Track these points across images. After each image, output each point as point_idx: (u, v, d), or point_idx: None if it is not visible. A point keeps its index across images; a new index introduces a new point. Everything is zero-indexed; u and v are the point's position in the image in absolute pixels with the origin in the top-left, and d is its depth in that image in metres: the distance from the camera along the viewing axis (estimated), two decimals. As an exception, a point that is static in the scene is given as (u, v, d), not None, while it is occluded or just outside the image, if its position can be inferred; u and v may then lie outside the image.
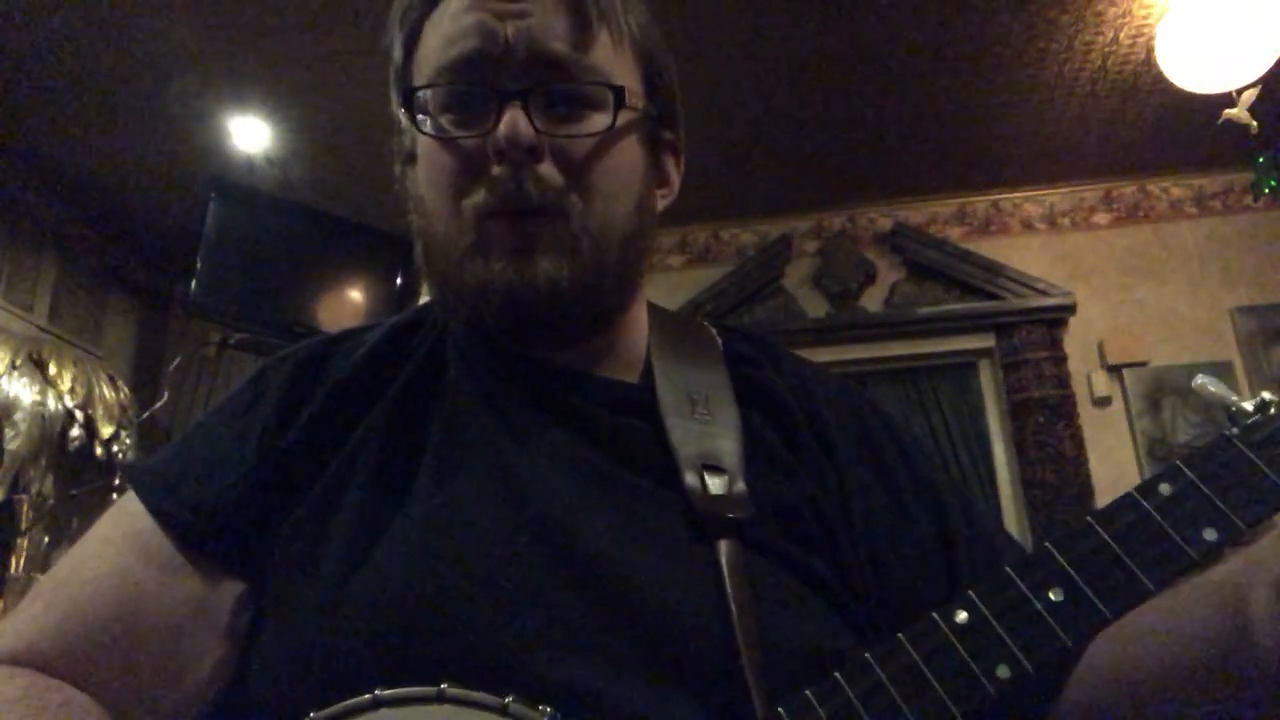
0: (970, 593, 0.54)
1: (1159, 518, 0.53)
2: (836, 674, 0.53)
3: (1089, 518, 0.54)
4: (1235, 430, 0.54)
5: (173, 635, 0.66)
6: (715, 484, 0.67)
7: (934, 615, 0.54)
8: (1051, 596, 0.53)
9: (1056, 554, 0.54)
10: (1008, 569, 0.54)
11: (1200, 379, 0.58)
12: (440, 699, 0.54)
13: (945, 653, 0.52)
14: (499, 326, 0.71)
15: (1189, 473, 0.54)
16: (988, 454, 3.74)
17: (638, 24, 0.77)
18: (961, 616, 0.53)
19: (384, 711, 0.54)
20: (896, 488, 0.76)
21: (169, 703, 0.66)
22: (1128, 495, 0.54)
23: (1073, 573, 0.53)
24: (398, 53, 0.77)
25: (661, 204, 0.81)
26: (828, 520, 0.70)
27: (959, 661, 0.52)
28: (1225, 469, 0.53)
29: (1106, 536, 0.53)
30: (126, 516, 0.70)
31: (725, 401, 0.75)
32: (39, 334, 3.52)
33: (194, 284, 2.97)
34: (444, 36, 0.72)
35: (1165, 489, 0.54)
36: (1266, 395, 0.54)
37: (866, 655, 0.54)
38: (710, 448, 0.70)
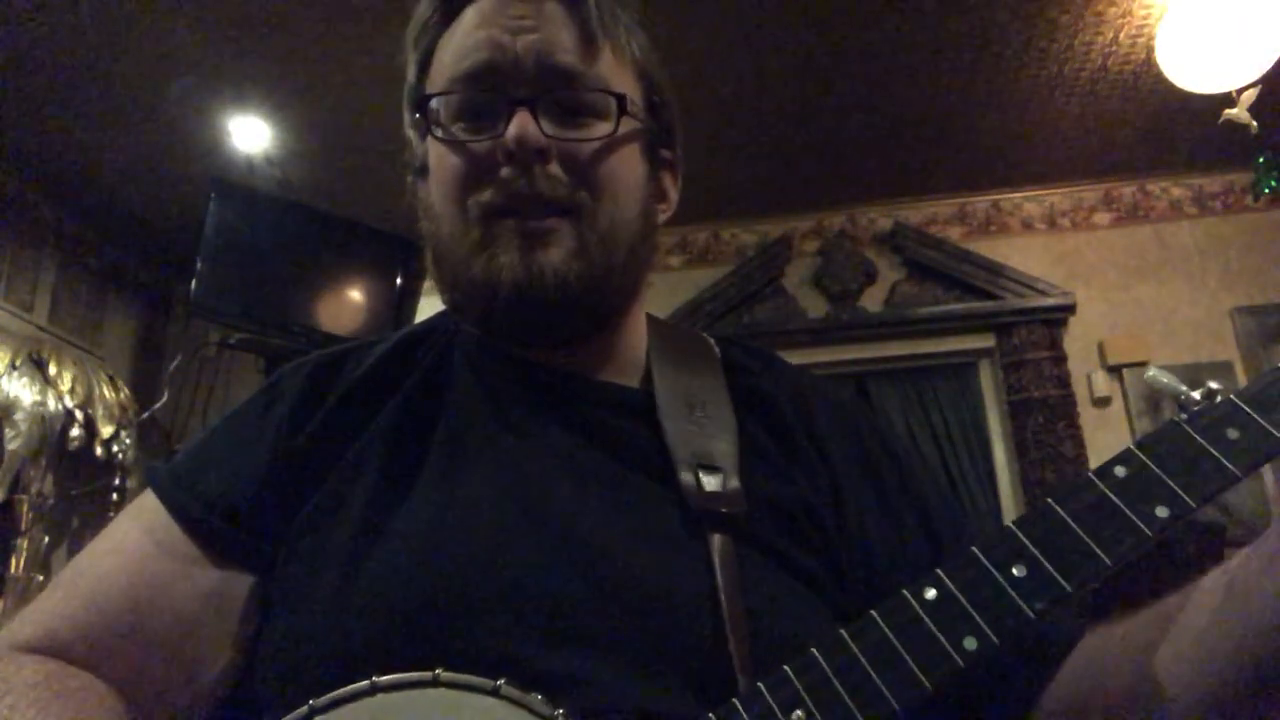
0: (938, 570, 0.57)
1: (1114, 497, 0.56)
2: (812, 648, 0.56)
3: (1049, 499, 0.58)
4: (1184, 416, 0.58)
5: (187, 628, 0.68)
6: (710, 482, 0.70)
7: (904, 592, 0.57)
8: (1015, 572, 0.56)
9: (1019, 533, 0.57)
10: (973, 548, 0.57)
11: (1152, 372, 0.62)
12: (435, 683, 0.56)
13: (915, 627, 0.55)
14: (507, 322, 0.74)
15: (1142, 455, 0.57)
16: (988, 454, 3.74)
17: (639, 46, 0.81)
18: (930, 593, 0.56)
19: (381, 697, 0.56)
20: (886, 492, 0.78)
21: (182, 696, 0.68)
22: (1085, 476, 0.58)
23: (1034, 550, 0.56)
24: (412, 71, 0.81)
25: (660, 218, 0.84)
26: (819, 519, 0.73)
27: (928, 635, 0.55)
28: (1175, 452, 0.56)
29: (1065, 515, 0.56)
30: (144, 513, 0.73)
31: (722, 406, 0.78)
32: (39, 334, 3.53)
33: (194, 284, 2.97)
34: (456, 51, 0.76)
35: (1120, 471, 0.57)
36: (1213, 385, 0.58)
37: (841, 631, 0.56)
38: (706, 448, 0.72)
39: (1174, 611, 0.60)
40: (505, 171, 0.71)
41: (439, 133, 0.76)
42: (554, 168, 0.72)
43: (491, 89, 0.74)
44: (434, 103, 0.76)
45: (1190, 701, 0.58)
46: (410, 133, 0.82)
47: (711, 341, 0.88)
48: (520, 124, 0.71)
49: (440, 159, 0.76)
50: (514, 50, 0.73)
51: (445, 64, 0.77)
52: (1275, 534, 0.54)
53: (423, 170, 0.80)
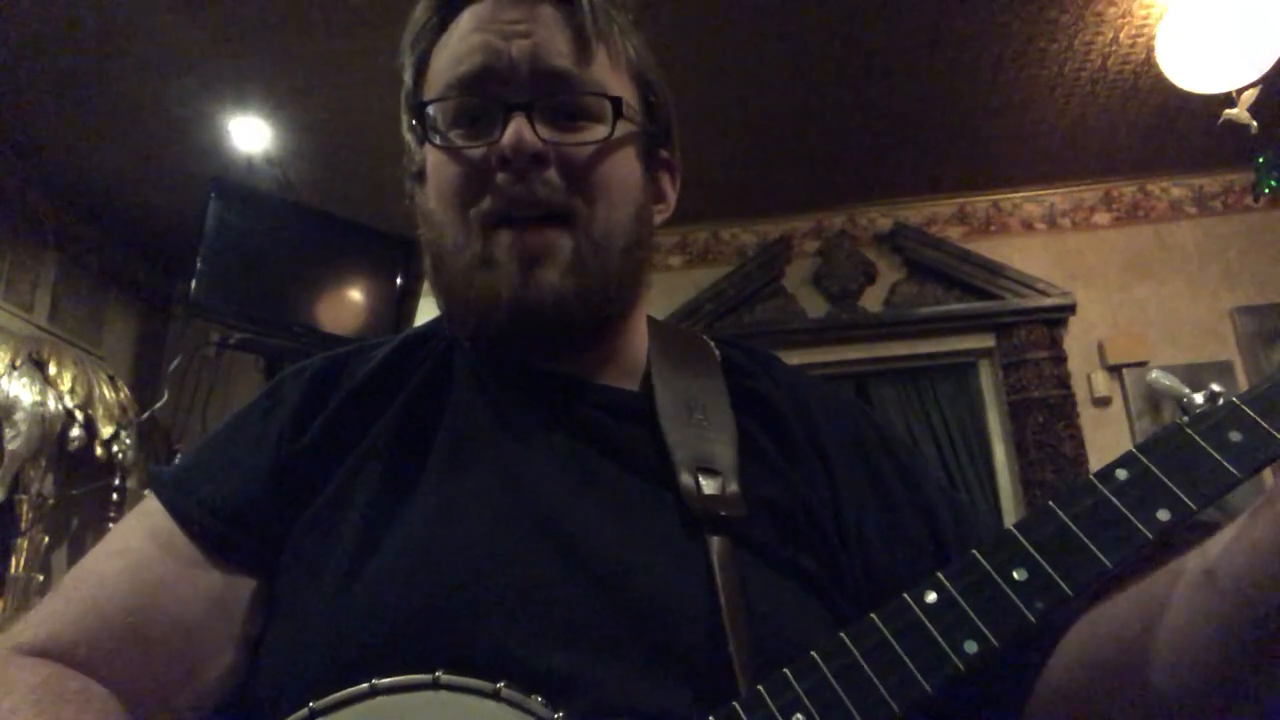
0: (939, 574, 0.57)
1: (1115, 500, 0.56)
2: (813, 652, 0.56)
3: (1050, 502, 0.57)
4: (1186, 419, 0.57)
5: (189, 631, 0.68)
6: (709, 485, 0.70)
7: (905, 596, 0.57)
8: (1015, 575, 0.55)
9: (1020, 536, 0.57)
10: (974, 551, 0.57)
11: (1154, 374, 0.62)
12: (435, 686, 0.56)
13: (915, 630, 0.55)
14: (505, 336, 0.74)
15: (1143, 459, 0.57)
16: (988, 454, 3.74)
17: (634, 48, 0.81)
18: (930, 597, 0.56)
19: (381, 699, 0.56)
20: (888, 493, 0.78)
21: (184, 700, 0.68)
22: (1086, 480, 0.57)
23: (1035, 553, 0.56)
24: (408, 76, 0.81)
25: (658, 219, 0.84)
26: (819, 521, 0.73)
27: (928, 638, 0.55)
28: (1177, 455, 0.56)
29: (1066, 519, 0.56)
30: (147, 518, 0.73)
31: (722, 409, 0.78)
32: (39, 334, 3.53)
33: (194, 284, 2.97)
34: (452, 56, 0.76)
35: (1121, 474, 0.57)
36: (1215, 387, 0.57)
37: (841, 634, 0.56)
38: (706, 451, 0.73)
39: (1158, 596, 0.60)
40: (502, 178, 0.72)
41: (436, 139, 0.76)
42: (551, 173, 0.72)
43: (487, 94, 0.74)
44: (431, 109, 0.76)
45: (1178, 683, 0.58)
46: (408, 137, 0.82)
47: (711, 343, 0.88)
48: (516, 129, 0.71)
49: (438, 166, 0.76)
50: (509, 55, 0.73)
51: (441, 69, 0.77)
52: (1257, 524, 0.54)
53: (420, 176, 0.80)
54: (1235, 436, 0.55)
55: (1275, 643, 0.53)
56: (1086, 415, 3.60)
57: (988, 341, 3.78)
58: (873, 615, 0.57)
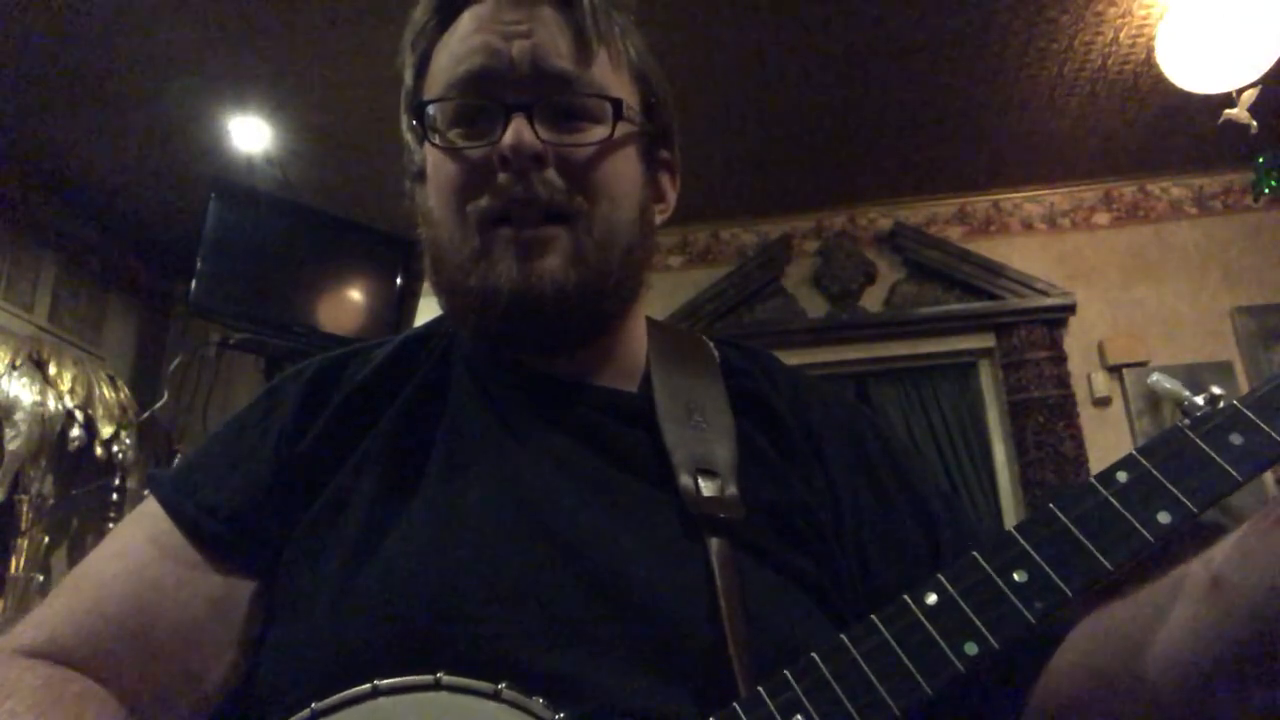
0: (939, 576, 0.57)
1: (1116, 503, 0.56)
2: (813, 653, 0.56)
3: (1050, 504, 0.58)
4: (1187, 422, 0.57)
5: (190, 633, 0.68)
6: (708, 487, 0.70)
7: (905, 597, 0.57)
8: (1016, 577, 0.56)
9: (1020, 538, 0.57)
10: (974, 553, 0.57)
11: (1155, 376, 0.62)
12: (437, 687, 0.56)
13: (916, 632, 0.55)
14: (504, 330, 0.74)
15: (1144, 461, 0.57)
16: (988, 454, 3.74)
17: (635, 49, 0.81)
18: (931, 598, 0.57)
19: (383, 700, 0.56)
20: (886, 494, 0.78)
21: (184, 700, 0.68)
22: (1087, 482, 0.58)
23: (1035, 555, 0.56)
24: (409, 76, 0.81)
25: (659, 219, 0.84)
26: (818, 523, 0.73)
27: (929, 640, 0.55)
28: (1178, 457, 0.56)
29: (1067, 521, 0.56)
30: (147, 519, 0.73)
31: (721, 410, 0.78)
32: (39, 334, 3.53)
33: (194, 284, 2.97)
34: (452, 56, 0.76)
35: (1122, 476, 0.57)
36: (1215, 390, 0.57)
37: (842, 636, 0.56)
38: (705, 453, 0.73)
39: (1160, 602, 0.60)
40: (502, 178, 0.72)
41: (436, 139, 0.76)
42: (551, 173, 0.72)
43: (487, 95, 0.74)
44: (431, 109, 0.76)
45: (1177, 689, 0.58)
46: (408, 137, 0.83)
47: (711, 344, 0.88)
48: (516, 130, 0.71)
49: (438, 165, 0.76)
50: (509, 55, 0.73)
51: (441, 69, 0.77)
52: (1255, 529, 0.54)
53: (420, 175, 0.80)
54: (1236, 439, 0.55)
55: (1276, 651, 0.53)
56: (1086, 415, 3.60)
57: (988, 341, 3.78)
58: (873, 616, 0.57)
